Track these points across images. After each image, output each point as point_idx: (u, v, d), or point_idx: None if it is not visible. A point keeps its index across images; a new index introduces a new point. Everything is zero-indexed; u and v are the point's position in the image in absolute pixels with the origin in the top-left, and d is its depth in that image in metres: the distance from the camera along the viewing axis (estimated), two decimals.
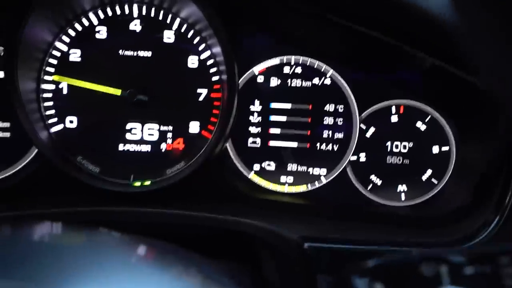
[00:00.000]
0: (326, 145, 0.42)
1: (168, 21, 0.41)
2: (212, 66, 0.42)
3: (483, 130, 0.39)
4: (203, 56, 0.42)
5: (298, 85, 0.43)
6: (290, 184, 0.45)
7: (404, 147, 0.41)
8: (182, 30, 0.42)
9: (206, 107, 0.42)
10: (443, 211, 0.42)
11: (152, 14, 0.41)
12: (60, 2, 0.40)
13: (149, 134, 0.42)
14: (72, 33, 0.41)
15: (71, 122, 0.42)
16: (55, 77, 0.39)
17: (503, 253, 0.34)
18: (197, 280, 0.26)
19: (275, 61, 0.43)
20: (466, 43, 0.31)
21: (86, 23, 0.41)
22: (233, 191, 0.45)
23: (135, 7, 0.38)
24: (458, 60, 0.33)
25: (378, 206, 0.45)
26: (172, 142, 0.42)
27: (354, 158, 0.44)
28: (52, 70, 0.41)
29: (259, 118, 0.43)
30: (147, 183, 0.40)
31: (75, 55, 0.40)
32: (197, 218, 0.42)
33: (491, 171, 0.40)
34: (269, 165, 0.45)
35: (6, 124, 0.40)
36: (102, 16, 0.41)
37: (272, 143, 0.44)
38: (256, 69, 0.44)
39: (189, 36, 0.41)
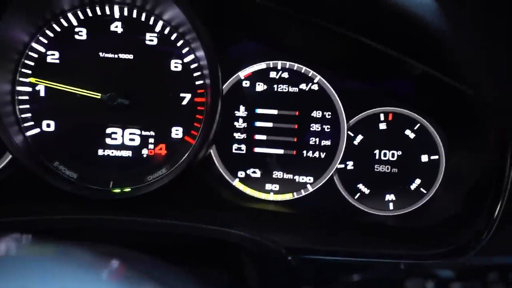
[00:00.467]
0: (313, 153, 0.41)
1: (150, 23, 0.40)
2: (196, 70, 0.41)
3: (473, 139, 0.38)
4: (187, 59, 0.41)
5: (285, 90, 0.43)
6: (275, 192, 0.44)
7: (393, 155, 0.40)
8: (165, 33, 0.41)
9: (190, 112, 0.41)
10: (431, 222, 0.42)
11: (134, 16, 0.40)
12: (37, 1, 0.39)
13: (130, 139, 0.41)
14: (50, 34, 0.40)
15: (48, 126, 0.41)
16: (32, 79, 0.38)
17: (492, 268, 0.34)
18: None
19: (261, 65, 0.42)
20: (456, 51, 0.30)
21: (65, 23, 0.40)
22: (216, 199, 0.45)
23: (116, 8, 0.37)
24: (448, 68, 0.33)
25: (365, 215, 0.45)
26: (154, 148, 0.41)
27: (342, 166, 0.44)
28: (28, 72, 0.40)
29: (244, 124, 0.43)
30: (127, 189, 0.38)
31: (53, 57, 0.40)
32: (177, 227, 0.41)
33: (481, 181, 0.40)
34: (254, 172, 0.44)
35: None
36: (82, 16, 0.40)
37: (258, 149, 0.44)
38: (242, 73, 0.43)
39: (172, 38, 0.41)
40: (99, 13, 0.40)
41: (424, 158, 0.40)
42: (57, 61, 0.38)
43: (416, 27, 0.32)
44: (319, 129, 0.43)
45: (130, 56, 0.40)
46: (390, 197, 0.41)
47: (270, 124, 0.41)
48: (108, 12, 0.39)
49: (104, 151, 0.41)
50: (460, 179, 0.41)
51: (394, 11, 0.33)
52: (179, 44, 0.41)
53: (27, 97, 0.40)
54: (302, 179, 0.45)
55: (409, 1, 0.30)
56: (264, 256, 0.41)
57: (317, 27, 0.36)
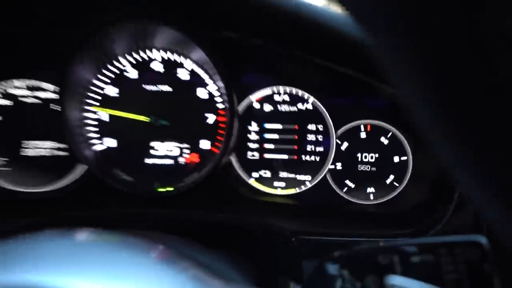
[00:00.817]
0: (310, 157, 0.51)
1: (183, 62, 0.49)
2: (218, 96, 0.49)
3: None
4: (210, 88, 0.49)
5: (287, 109, 0.51)
6: (282, 188, 0.52)
7: (372, 157, 0.50)
8: (194, 69, 0.49)
9: (214, 128, 0.50)
10: (403, 209, 0.51)
11: (170, 57, 0.49)
12: (98, 50, 0.48)
13: (170, 151, 0.50)
14: (108, 73, 0.48)
15: (110, 142, 0.50)
16: (97, 108, 0.48)
17: (444, 244, 0.40)
18: (207, 265, 0.33)
19: (268, 91, 0.50)
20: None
21: (119, 65, 0.49)
22: (236, 194, 0.53)
23: (156, 52, 0.47)
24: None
25: (351, 204, 0.52)
26: (189, 156, 0.50)
27: (332, 166, 0.51)
28: (94, 103, 0.48)
29: (257, 136, 0.51)
30: (169, 189, 0.48)
31: (112, 91, 0.49)
32: (207, 217, 0.50)
33: (440, 176, 0.48)
34: (265, 173, 0.52)
35: (65, 146, 0.48)
36: (132, 60, 0.49)
37: (267, 155, 0.51)
38: (253, 97, 0.50)
39: (199, 73, 0.49)
40: (144, 56, 0.48)
41: (396, 159, 0.48)
42: (116, 94, 0.49)
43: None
44: (314, 138, 0.51)
45: (169, 89, 0.49)
46: (370, 190, 0.50)
47: (276, 136, 0.51)
48: (151, 56, 0.47)
49: (150, 160, 0.50)
50: (425, 174, 0.50)
51: (359, 50, 0.39)
52: (204, 77, 0.49)
53: (94, 122, 0.49)
54: (302, 177, 0.52)
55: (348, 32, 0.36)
56: (274, 238, 0.50)
57: (309, 61, 0.45)
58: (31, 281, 0.17)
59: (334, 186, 0.52)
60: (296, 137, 0.51)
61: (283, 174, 0.52)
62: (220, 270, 0.37)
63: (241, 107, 0.51)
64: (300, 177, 0.52)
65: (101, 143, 0.50)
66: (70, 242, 0.23)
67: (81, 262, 0.19)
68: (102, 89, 0.49)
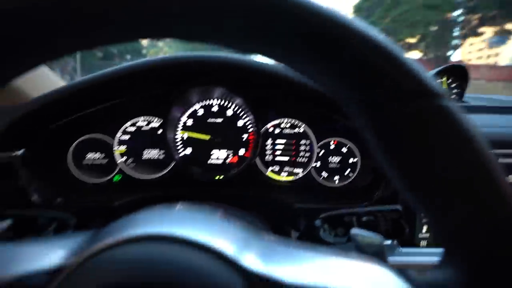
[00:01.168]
0: (301, 159, 0.70)
1: (229, 106, 0.68)
2: (249, 125, 0.69)
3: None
4: (245, 120, 0.69)
5: (288, 132, 0.70)
6: (285, 176, 0.70)
7: (337, 159, 0.69)
8: (235, 110, 0.68)
9: (247, 143, 0.69)
10: (356, 189, 0.69)
11: (222, 103, 0.68)
12: (184, 100, 0.66)
13: (222, 155, 0.69)
14: (187, 112, 0.68)
15: (188, 150, 0.69)
16: (181, 132, 0.68)
17: (379, 211, 0.56)
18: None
19: (277, 121, 0.70)
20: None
21: (193, 108, 0.68)
22: (259, 180, 0.71)
23: (214, 100, 0.68)
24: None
25: (327, 186, 0.70)
26: (232, 159, 0.70)
27: (314, 164, 0.69)
28: (179, 128, 0.68)
29: (271, 147, 0.70)
30: (221, 177, 0.68)
31: (189, 122, 0.68)
32: (242, 193, 0.68)
33: (376, 172, 0.65)
34: (275, 168, 0.71)
35: (164, 152, 0.69)
36: (201, 104, 0.68)
37: (277, 158, 0.71)
38: (269, 125, 0.70)
39: (238, 112, 0.68)
40: (207, 102, 0.68)
41: (351, 160, 0.66)
42: (191, 123, 0.68)
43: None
44: (304, 148, 0.69)
45: (220, 120, 0.68)
46: (336, 178, 0.70)
47: (282, 147, 0.70)
48: (212, 102, 0.68)
49: (211, 160, 0.69)
50: (368, 169, 0.68)
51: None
52: (241, 114, 0.69)
53: (179, 138, 0.68)
54: (297, 171, 0.70)
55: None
56: (280, 207, 0.66)
57: (298, 104, 0.66)
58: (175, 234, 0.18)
59: (315, 176, 0.70)
60: (293, 147, 0.70)
61: (286, 169, 0.71)
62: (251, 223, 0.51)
63: (262, 130, 0.70)
64: (296, 170, 0.70)
65: (183, 151, 0.70)
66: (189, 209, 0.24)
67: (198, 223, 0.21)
68: (185, 122, 0.69)
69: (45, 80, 0.71)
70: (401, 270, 0.21)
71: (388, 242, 0.49)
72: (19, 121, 0.52)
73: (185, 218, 0.21)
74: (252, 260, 0.18)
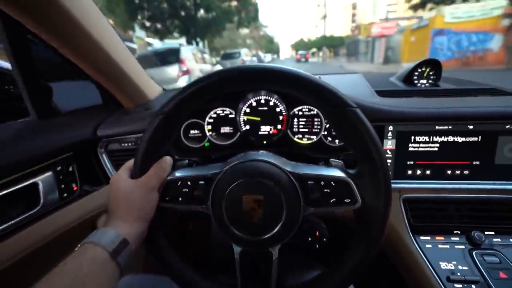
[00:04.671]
0: (315, 130, 0.95)
1: (270, 99, 0.94)
2: (283, 110, 0.94)
3: None
4: (280, 107, 0.96)
5: (307, 114, 0.98)
6: (305, 141, 0.95)
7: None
8: (274, 101, 0.94)
9: (282, 121, 0.95)
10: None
11: (267, 98, 0.99)
12: (244, 97, 0.92)
13: (266, 129, 0.96)
14: (247, 103, 0.92)
15: (248, 127, 0.97)
16: (244, 116, 0.97)
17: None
18: None
19: (300, 107, 0.93)
20: None
21: (249, 101, 0.94)
22: (289, 144, 0.96)
23: (262, 97, 0.98)
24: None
25: (331, 146, 0.92)
26: (273, 130, 0.97)
27: (323, 133, 0.96)
28: (242, 113, 1.05)
29: (296, 123, 0.97)
30: (265, 142, 0.99)
31: (248, 110, 0.94)
32: (279, 151, 0.93)
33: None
34: (300, 135, 0.97)
35: (232, 128, 0.98)
36: (254, 100, 0.93)
37: (300, 129, 0.95)
38: (295, 110, 0.96)
39: (276, 103, 0.96)
40: (258, 98, 1.01)
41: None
42: (249, 110, 1.04)
43: None
44: (316, 123, 0.95)
45: (266, 108, 0.93)
46: (337, 141, 0.94)
47: (303, 123, 0.94)
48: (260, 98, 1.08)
49: (260, 132, 0.96)
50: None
51: None
52: (277, 103, 0.96)
53: (244, 119, 0.97)
54: (313, 137, 0.94)
55: None
56: (302, 156, 0.92)
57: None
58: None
59: (324, 140, 0.93)
60: (310, 123, 0.93)
61: (306, 136, 0.96)
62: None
63: (291, 113, 0.92)
64: (312, 137, 0.96)
65: (244, 127, 0.93)
66: None
67: None
68: (244, 110, 0.92)
69: (151, 86, 1.17)
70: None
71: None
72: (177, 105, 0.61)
73: (265, 155, 0.60)
74: (289, 167, 0.59)
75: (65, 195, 0.79)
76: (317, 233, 0.68)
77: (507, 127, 0.77)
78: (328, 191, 0.54)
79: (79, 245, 0.44)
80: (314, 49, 67.97)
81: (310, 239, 0.69)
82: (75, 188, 0.83)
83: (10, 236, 0.65)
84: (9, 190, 0.65)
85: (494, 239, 0.77)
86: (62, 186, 0.77)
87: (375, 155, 0.50)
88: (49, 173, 0.74)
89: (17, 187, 0.67)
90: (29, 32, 0.69)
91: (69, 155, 0.81)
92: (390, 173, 0.88)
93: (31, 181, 0.70)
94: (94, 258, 0.41)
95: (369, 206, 0.52)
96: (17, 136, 0.73)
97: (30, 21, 0.65)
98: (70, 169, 0.82)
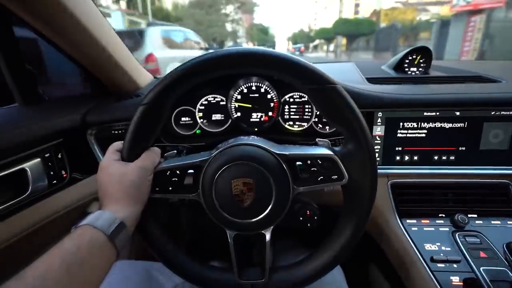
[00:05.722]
0: (306, 116, 0.98)
1: (261, 86, 0.99)
2: (274, 97, 0.97)
3: None
4: (271, 94, 0.98)
5: (297, 100, 1.04)
6: (296, 128, 0.98)
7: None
8: (265, 88, 0.97)
9: (273, 108, 0.98)
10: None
11: (258, 85, 1.08)
12: (236, 83, 0.94)
13: (258, 116, 1.02)
14: (238, 90, 0.94)
15: (239, 114, 1.01)
16: (235, 103, 0.97)
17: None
18: None
19: (290, 94, 0.95)
20: None
21: (241, 88, 1.00)
22: (280, 131, 0.98)
23: (254, 84, 1.10)
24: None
25: (321, 132, 0.93)
26: (265, 117, 1.01)
27: (314, 119, 0.96)
28: (234, 99, 1.06)
29: (287, 110, 0.99)
30: (258, 129, 1.06)
31: (239, 96, 1.00)
32: (270, 138, 0.99)
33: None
34: (291, 122, 0.99)
35: (223, 115, 1.01)
36: (245, 86, 0.96)
37: (291, 116, 1.01)
38: (286, 96, 0.97)
39: (267, 89, 0.96)
40: (250, 84, 1.20)
41: None
42: (240, 97, 1.07)
43: None
44: (307, 110, 0.95)
45: (257, 95, 0.99)
46: (327, 127, 0.96)
47: (294, 110, 0.95)
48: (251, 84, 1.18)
49: (252, 119, 1.01)
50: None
51: None
52: (268, 90, 0.97)
53: (234, 107, 1.03)
54: (303, 123, 0.96)
55: None
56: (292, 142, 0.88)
57: None
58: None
59: (314, 126, 0.97)
60: (301, 110, 0.96)
61: (296, 123, 0.98)
62: None
63: (282, 100, 0.94)
64: (302, 123, 0.98)
65: (236, 114, 0.94)
66: None
67: None
68: (236, 96, 0.92)
69: (143, 74, 1.16)
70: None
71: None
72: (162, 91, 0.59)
73: (254, 139, 0.59)
74: (276, 149, 0.59)
75: (54, 182, 0.78)
76: (308, 212, 0.69)
77: (492, 113, 0.79)
78: (315, 169, 0.54)
79: (74, 227, 0.44)
80: (317, 41, 52.40)
81: (301, 218, 0.68)
82: (64, 175, 0.82)
83: None
84: None
85: (477, 221, 0.80)
86: (51, 173, 0.77)
87: (358, 131, 0.52)
88: (37, 160, 0.74)
89: (4, 173, 0.66)
90: (12, 16, 0.67)
91: (58, 142, 0.80)
92: (379, 159, 0.91)
93: (18, 167, 0.69)
94: (92, 240, 0.41)
95: (356, 181, 0.54)
96: (3, 122, 0.72)
97: (16, 6, 0.62)
98: (59, 156, 0.81)
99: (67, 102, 0.98)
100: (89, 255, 0.40)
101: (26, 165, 0.71)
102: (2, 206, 0.67)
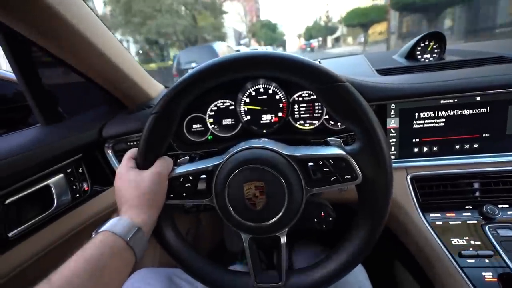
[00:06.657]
0: (316, 115, 0.92)
1: (269, 87, 0.93)
2: (282, 97, 0.93)
3: None
4: (279, 95, 0.93)
5: (307, 99, 0.95)
6: (307, 126, 0.93)
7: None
8: (273, 89, 0.91)
9: (282, 108, 0.91)
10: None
11: (266, 86, 0.96)
12: (244, 87, 0.91)
13: (268, 117, 0.99)
14: (246, 93, 0.89)
15: (249, 117, 0.96)
16: (244, 106, 1.01)
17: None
18: None
19: (299, 93, 0.92)
20: None
21: (249, 91, 0.91)
22: (291, 131, 0.93)
23: (261, 86, 1.03)
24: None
25: (332, 129, 0.90)
26: (275, 118, 0.98)
27: (325, 117, 0.91)
28: (243, 103, 1.07)
29: (297, 109, 0.93)
30: (269, 130, 1.03)
31: (248, 99, 0.95)
32: (281, 139, 0.91)
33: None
34: (301, 121, 0.95)
35: (233, 119, 1.07)
36: (253, 89, 0.90)
37: (302, 115, 0.93)
38: (295, 96, 0.92)
39: (275, 90, 0.92)
40: (258, 87, 1.12)
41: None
42: (249, 100, 1.03)
43: None
44: (317, 108, 0.91)
45: (266, 96, 0.92)
46: (339, 124, 0.91)
47: (303, 109, 0.92)
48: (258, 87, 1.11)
49: (262, 121, 0.97)
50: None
51: None
52: (276, 91, 0.91)
53: (244, 109, 0.95)
54: (314, 122, 0.91)
55: None
56: (303, 142, 0.84)
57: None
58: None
59: (326, 124, 0.92)
60: (311, 108, 0.91)
61: (307, 122, 0.93)
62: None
63: (291, 100, 0.89)
64: (313, 122, 0.93)
65: (246, 117, 0.90)
66: None
67: None
68: (244, 100, 0.89)
69: (153, 84, 1.19)
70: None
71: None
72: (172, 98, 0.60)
73: (264, 142, 0.60)
74: (286, 151, 0.60)
75: (77, 195, 0.82)
76: (322, 213, 0.68)
77: None
78: (328, 169, 0.54)
79: (94, 232, 0.46)
80: (339, 32, 41.91)
81: (316, 220, 0.69)
82: (86, 189, 0.86)
83: (28, 237, 0.68)
84: (23, 194, 0.67)
85: (509, 212, 0.75)
86: (74, 187, 0.80)
87: (369, 128, 0.51)
88: (60, 176, 0.77)
89: (31, 190, 0.69)
90: (28, 41, 0.71)
91: (78, 157, 0.84)
92: (395, 152, 0.87)
93: (43, 183, 0.72)
94: (112, 246, 0.43)
95: (371, 181, 0.53)
96: (28, 142, 0.76)
97: (28, 30, 0.66)
98: (80, 170, 0.85)
99: (84, 118, 1.02)
100: (110, 260, 0.42)
101: (50, 182, 0.75)
102: (31, 222, 0.70)
